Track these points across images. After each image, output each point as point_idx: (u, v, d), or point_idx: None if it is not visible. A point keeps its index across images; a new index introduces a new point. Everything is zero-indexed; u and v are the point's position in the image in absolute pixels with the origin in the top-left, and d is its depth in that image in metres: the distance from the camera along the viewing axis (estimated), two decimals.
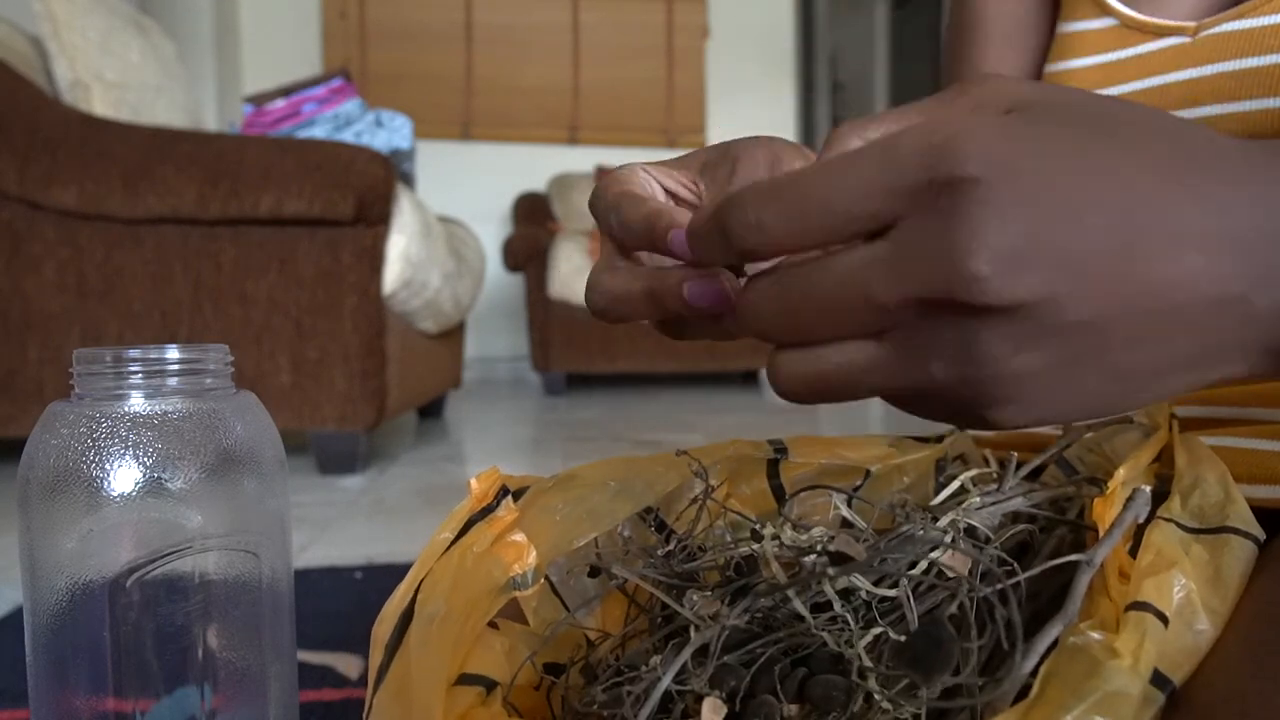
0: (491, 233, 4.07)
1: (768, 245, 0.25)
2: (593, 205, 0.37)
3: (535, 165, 4.19)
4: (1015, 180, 0.22)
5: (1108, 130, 0.25)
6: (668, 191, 0.39)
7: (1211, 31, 0.46)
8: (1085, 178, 0.23)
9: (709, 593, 0.36)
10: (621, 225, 0.35)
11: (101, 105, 1.80)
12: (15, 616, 0.94)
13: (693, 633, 0.33)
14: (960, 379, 0.24)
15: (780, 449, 0.46)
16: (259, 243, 1.68)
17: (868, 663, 0.30)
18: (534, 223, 3.72)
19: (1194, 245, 0.23)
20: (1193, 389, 0.26)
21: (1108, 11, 0.51)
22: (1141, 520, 0.32)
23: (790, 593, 0.32)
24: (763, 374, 3.86)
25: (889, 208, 0.23)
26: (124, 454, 0.36)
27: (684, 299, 0.31)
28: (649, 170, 0.39)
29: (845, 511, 0.40)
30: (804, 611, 0.32)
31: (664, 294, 0.32)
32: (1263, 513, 0.36)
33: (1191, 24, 0.47)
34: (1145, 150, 0.24)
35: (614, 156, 4.22)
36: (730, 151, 0.39)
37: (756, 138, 0.39)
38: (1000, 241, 0.22)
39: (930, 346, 0.24)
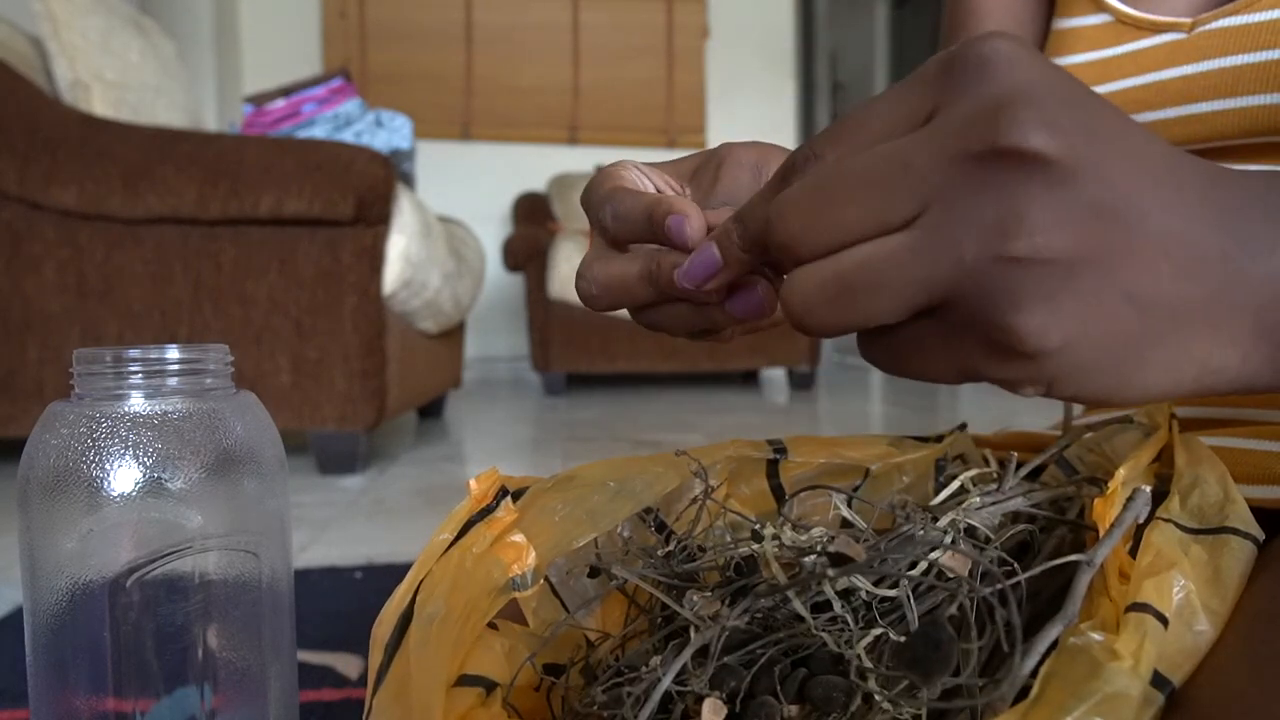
0: (491, 233, 4.07)
1: (806, 251, 0.25)
2: (585, 200, 0.37)
3: (535, 165, 4.19)
4: (1038, 64, 0.23)
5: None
6: (657, 190, 0.39)
7: (1207, 28, 0.46)
8: (1098, 100, 0.24)
9: (709, 593, 0.36)
10: (617, 217, 0.34)
11: (101, 105, 1.80)
12: (15, 616, 0.94)
13: (693, 633, 0.33)
14: (991, 260, 0.22)
15: (780, 449, 0.46)
16: (259, 243, 1.68)
17: (868, 663, 0.30)
18: (534, 223, 3.72)
19: (1192, 189, 0.24)
20: (1198, 384, 0.25)
21: (1103, 8, 0.51)
22: (1142, 520, 0.32)
23: (790, 593, 0.32)
24: (763, 374, 3.87)
25: (925, 100, 0.24)
26: (124, 454, 0.36)
27: (678, 277, 0.31)
28: (640, 168, 0.39)
29: (845, 511, 0.40)
30: (804, 612, 0.32)
31: (659, 274, 0.32)
32: (1262, 513, 0.36)
33: (1187, 20, 0.47)
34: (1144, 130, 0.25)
35: (614, 156, 4.22)
36: (716, 156, 0.39)
37: (743, 142, 0.40)
38: (1037, 98, 0.22)
39: (963, 221, 0.23)
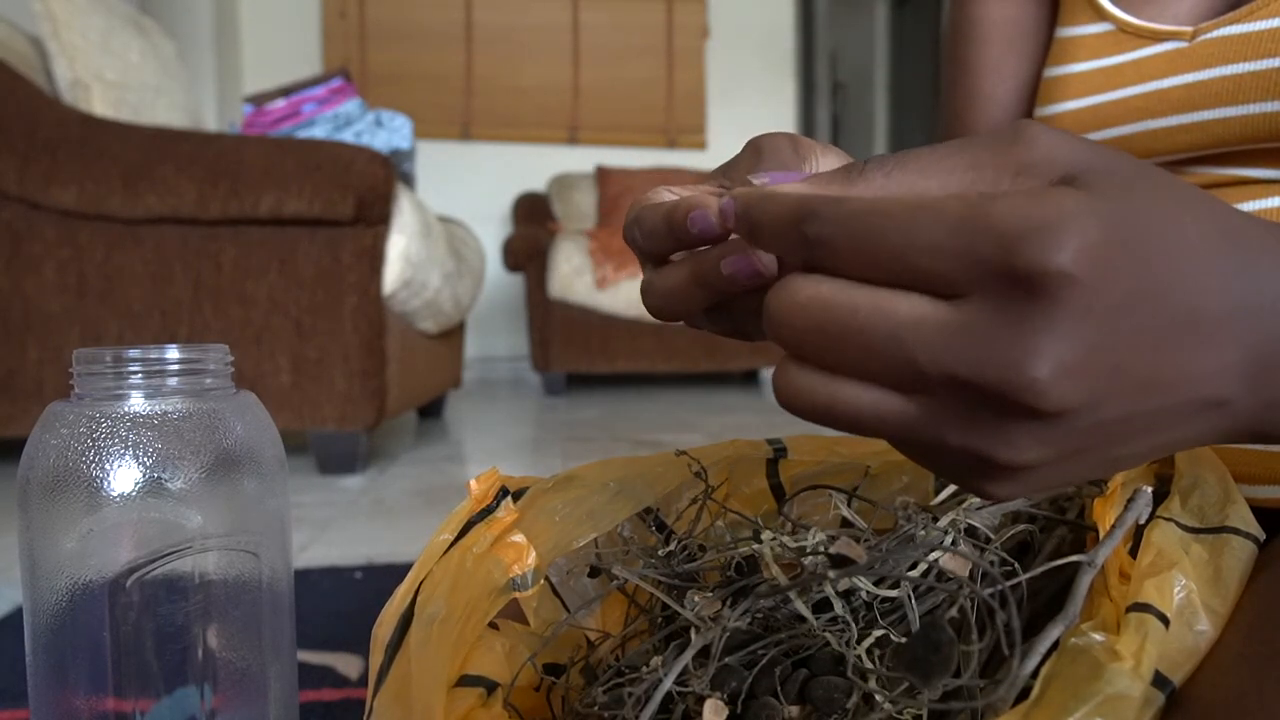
0: (491, 233, 4.07)
1: (829, 263, 0.24)
2: (624, 233, 0.37)
3: (535, 165, 4.19)
4: (1099, 288, 0.21)
5: (1173, 212, 0.24)
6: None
7: (1209, 36, 0.46)
8: (1155, 285, 0.22)
9: (710, 593, 0.36)
10: (644, 234, 0.34)
11: (101, 105, 1.80)
12: (15, 616, 0.94)
13: (694, 634, 0.33)
14: (974, 454, 0.23)
15: (780, 448, 0.46)
16: (259, 243, 1.68)
17: (868, 664, 0.30)
18: (534, 223, 3.72)
19: (1222, 341, 0.23)
20: (1180, 447, 0.26)
21: (1105, 16, 0.51)
22: (1143, 521, 0.32)
23: (792, 594, 0.32)
24: (763, 374, 3.87)
25: (965, 277, 0.22)
26: (124, 454, 0.36)
27: (722, 274, 0.31)
28: (671, 188, 0.39)
29: (845, 511, 0.40)
30: (806, 613, 0.32)
31: (705, 272, 0.32)
32: (1263, 513, 0.36)
33: (1189, 29, 0.47)
34: (1199, 235, 0.24)
35: (614, 156, 4.22)
36: (755, 144, 0.39)
37: (783, 132, 0.39)
38: (1067, 352, 0.21)
39: (954, 420, 0.23)
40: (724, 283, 0.32)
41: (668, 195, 0.37)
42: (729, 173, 0.39)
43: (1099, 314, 0.21)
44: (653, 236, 0.34)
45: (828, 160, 0.37)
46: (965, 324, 0.22)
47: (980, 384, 0.22)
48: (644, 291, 0.35)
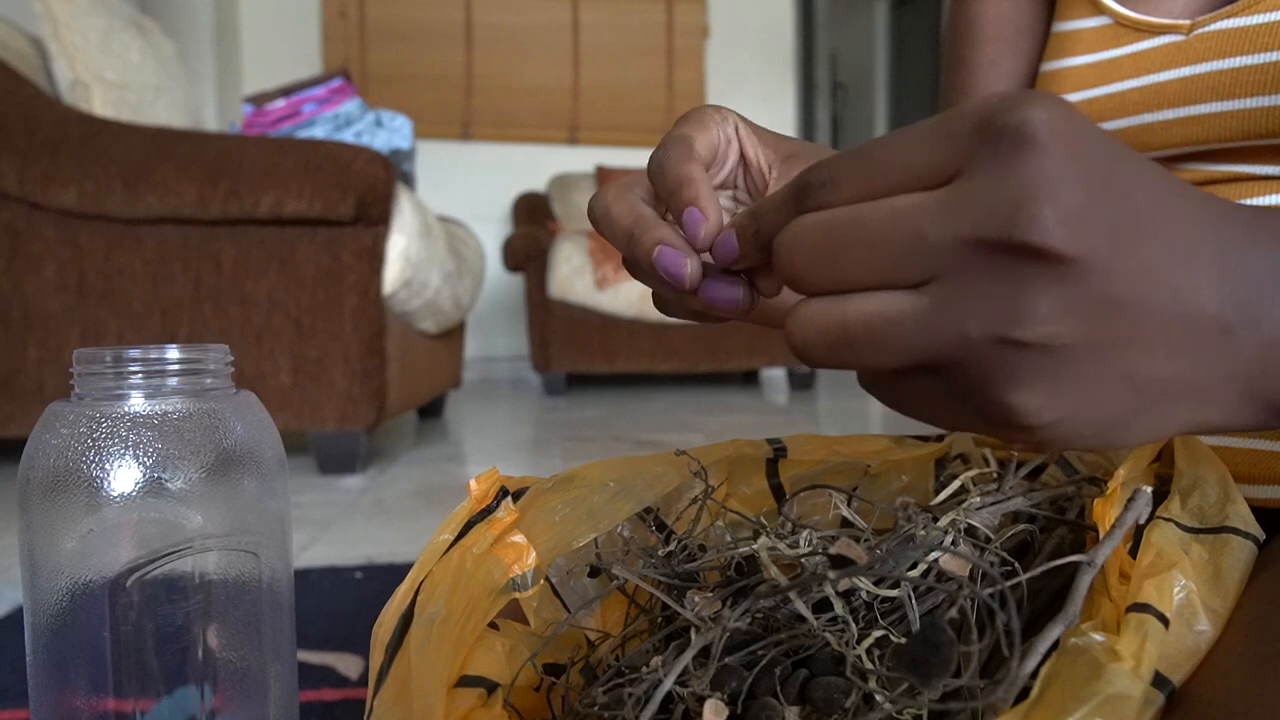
0: (491, 233, 4.07)
1: (837, 197, 0.25)
2: (678, 122, 0.38)
3: (535, 165, 4.19)
4: (1077, 143, 0.23)
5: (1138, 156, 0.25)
6: (744, 159, 0.40)
7: (1206, 29, 0.46)
8: (1133, 170, 0.24)
9: (710, 593, 0.36)
10: (659, 164, 0.35)
11: (101, 105, 1.80)
12: (15, 616, 0.94)
13: (694, 634, 0.33)
14: (995, 341, 0.23)
15: (779, 448, 0.46)
16: (259, 243, 1.68)
17: (869, 665, 0.30)
18: (534, 223, 3.72)
19: (1205, 262, 0.24)
20: (1181, 433, 0.26)
21: (1103, 10, 0.51)
22: (1143, 521, 0.32)
23: (792, 594, 0.32)
24: (764, 374, 3.87)
25: (951, 157, 0.23)
26: (124, 454, 0.36)
27: (652, 259, 0.32)
28: (741, 127, 0.40)
29: (845, 511, 0.40)
30: (806, 613, 0.32)
31: (637, 243, 0.33)
32: (1263, 513, 0.36)
33: (1186, 22, 0.47)
34: (1170, 178, 0.25)
35: (614, 156, 4.22)
36: (808, 161, 0.39)
37: (715, 116, 0.40)
38: (1063, 194, 0.22)
39: (971, 300, 0.23)
40: (649, 267, 0.33)
41: (724, 133, 0.39)
42: (787, 165, 0.40)
43: (1085, 165, 0.22)
44: (659, 176, 0.35)
45: (754, 142, 0.40)
46: (964, 190, 0.23)
47: (991, 237, 0.22)
48: (599, 194, 0.37)
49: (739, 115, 0.40)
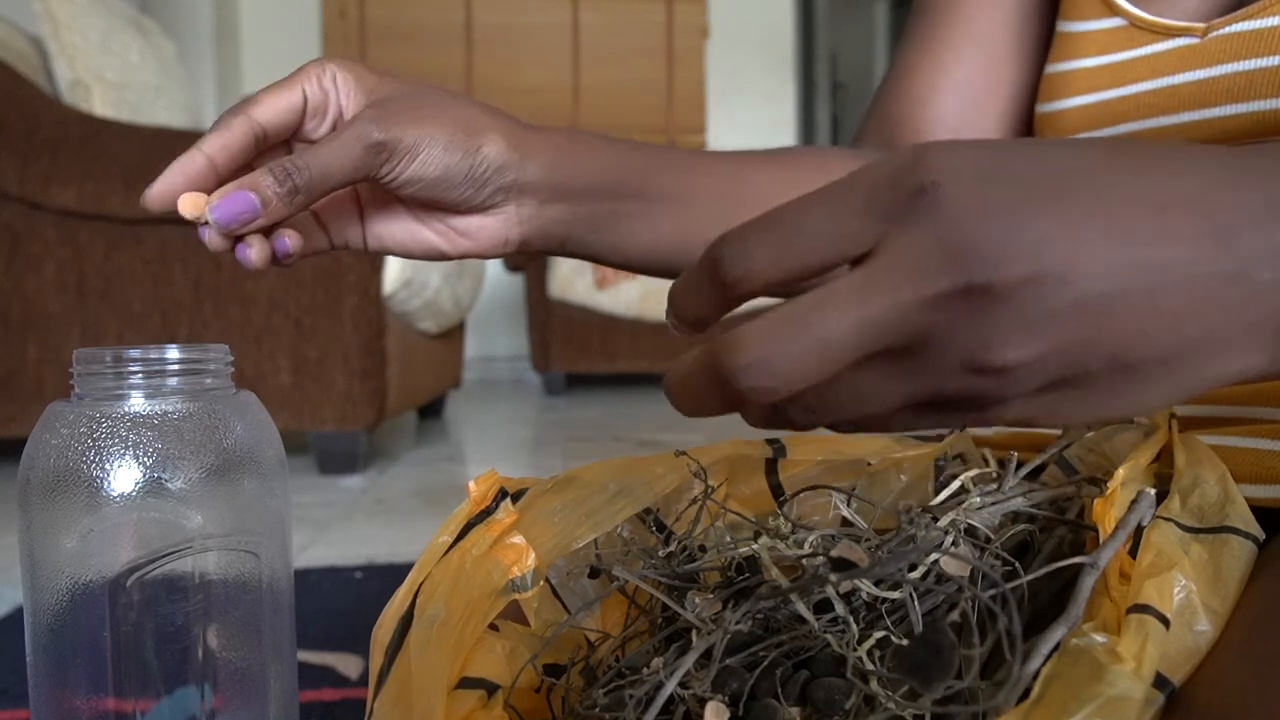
0: None
1: (754, 272, 0.25)
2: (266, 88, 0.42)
3: None
4: (987, 173, 0.23)
5: (1062, 142, 0.25)
6: (341, 113, 0.44)
7: (1221, 32, 0.46)
8: (1059, 165, 0.24)
9: (710, 594, 0.36)
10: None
11: (101, 105, 1.80)
12: (15, 616, 0.94)
13: (695, 636, 0.33)
14: (974, 373, 0.23)
15: (779, 448, 0.46)
16: None
17: (870, 666, 0.30)
18: None
19: (1178, 218, 0.23)
20: (1217, 383, 0.25)
21: (1116, 11, 0.51)
22: (1146, 523, 0.32)
23: (793, 595, 0.32)
24: None
25: (867, 226, 0.24)
26: (124, 454, 0.36)
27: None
28: (340, 76, 0.43)
29: (845, 511, 0.40)
30: (807, 615, 0.32)
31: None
32: (1262, 512, 0.36)
33: (1200, 24, 0.47)
34: (1111, 146, 0.25)
35: None
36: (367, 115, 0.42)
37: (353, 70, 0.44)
38: (983, 225, 0.22)
39: (941, 352, 0.23)
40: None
41: (321, 83, 0.43)
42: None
43: (991, 191, 0.23)
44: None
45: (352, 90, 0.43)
46: (897, 255, 0.23)
47: (937, 293, 0.22)
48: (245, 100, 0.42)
49: (344, 64, 0.43)
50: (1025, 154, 0.24)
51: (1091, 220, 0.23)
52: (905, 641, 0.31)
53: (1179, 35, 0.48)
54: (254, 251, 0.40)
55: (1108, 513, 0.33)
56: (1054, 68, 0.54)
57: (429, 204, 0.45)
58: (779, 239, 0.25)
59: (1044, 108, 0.54)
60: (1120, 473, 0.34)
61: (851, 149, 0.60)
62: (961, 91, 0.59)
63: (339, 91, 0.43)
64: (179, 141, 1.65)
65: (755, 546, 0.36)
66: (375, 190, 0.46)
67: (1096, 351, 0.23)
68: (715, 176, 0.51)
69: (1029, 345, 0.23)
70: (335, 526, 1.38)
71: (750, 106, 4.43)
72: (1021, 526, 0.38)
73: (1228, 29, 0.45)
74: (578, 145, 0.47)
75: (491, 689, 0.35)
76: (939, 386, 0.24)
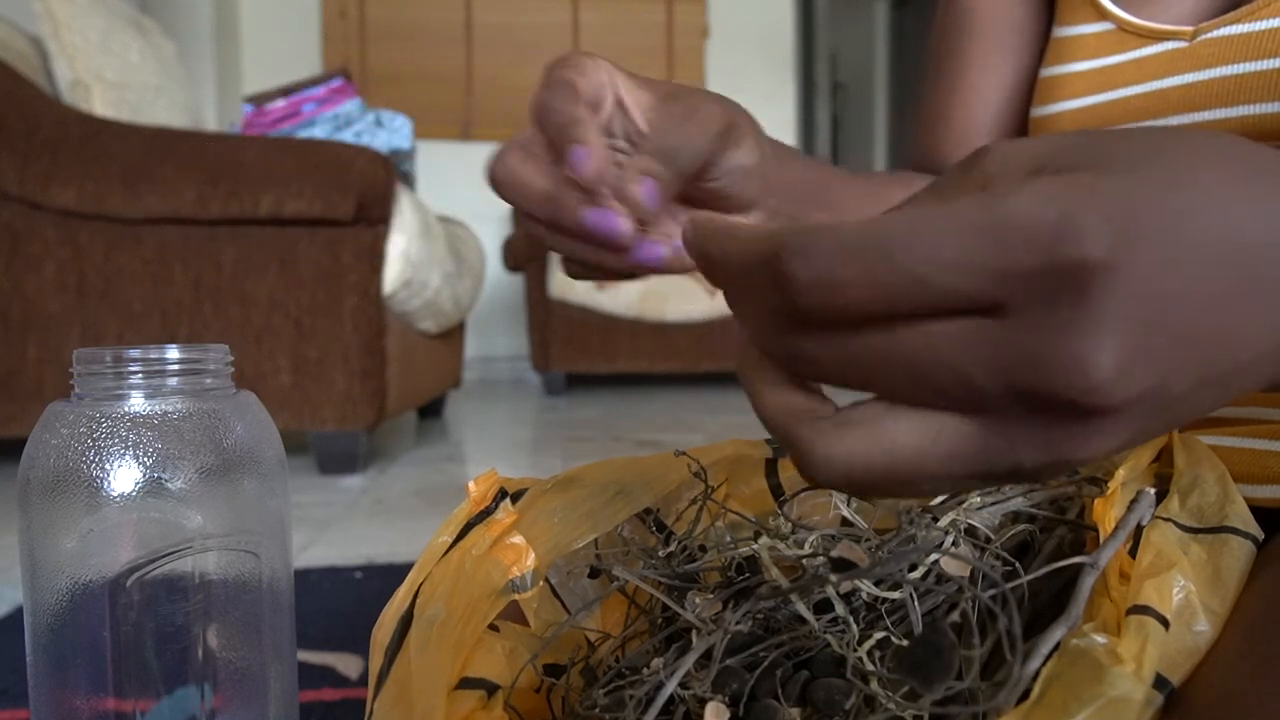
0: (491, 233, 4.06)
1: (836, 305, 0.21)
2: (546, 69, 0.37)
3: None
4: (1135, 265, 0.20)
5: (1171, 163, 0.22)
6: (621, 103, 0.38)
7: (1210, 35, 0.46)
8: (1188, 240, 0.20)
9: (710, 594, 0.36)
10: (543, 109, 0.35)
11: (101, 105, 1.80)
12: (15, 616, 0.94)
13: (695, 636, 0.33)
14: (1049, 466, 0.22)
15: (778, 448, 0.46)
16: (259, 243, 1.68)
17: (870, 666, 0.30)
18: None
19: (1263, 274, 0.21)
20: (1244, 392, 0.24)
21: (1106, 16, 0.51)
22: (1146, 523, 0.32)
23: (793, 596, 0.32)
24: None
25: (996, 292, 0.20)
26: (124, 454, 0.36)
27: (580, 222, 0.32)
28: (615, 73, 0.38)
29: (845, 511, 0.40)
30: (808, 615, 0.32)
31: (561, 207, 0.33)
32: (1262, 513, 0.36)
33: (1189, 28, 0.47)
34: (1215, 177, 0.22)
35: None
36: (688, 103, 0.38)
37: (721, 100, 0.39)
38: (1124, 344, 0.20)
39: (1024, 435, 0.21)
40: (576, 225, 0.32)
41: (600, 78, 0.37)
42: (662, 107, 0.38)
43: (1143, 293, 0.20)
44: (545, 125, 0.35)
45: (638, 95, 0.38)
46: (1014, 336, 0.20)
47: (1044, 395, 0.20)
48: (498, 156, 0.36)
49: (610, 62, 0.38)
50: (1160, 192, 0.20)
51: (1214, 317, 0.21)
52: (905, 642, 0.31)
53: (1167, 39, 0.48)
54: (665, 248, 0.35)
55: (1108, 513, 0.33)
56: (1047, 72, 0.54)
57: (707, 203, 0.41)
58: (875, 275, 0.20)
59: (1037, 111, 0.55)
60: (1120, 473, 0.34)
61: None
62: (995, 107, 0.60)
63: (618, 86, 0.38)
64: (179, 141, 1.66)
65: (755, 546, 0.36)
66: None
67: (1165, 417, 0.22)
68: (863, 200, 0.49)
69: (1113, 444, 0.21)
70: (335, 526, 1.38)
71: (750, 106, 4.36)
72: (1021, 526, 0.38)
73: (1216, 33, 0.46)
74: (780, 149, 0.45)
75: (491, 689, 0.35)
76: (1014, 467, 0.22)
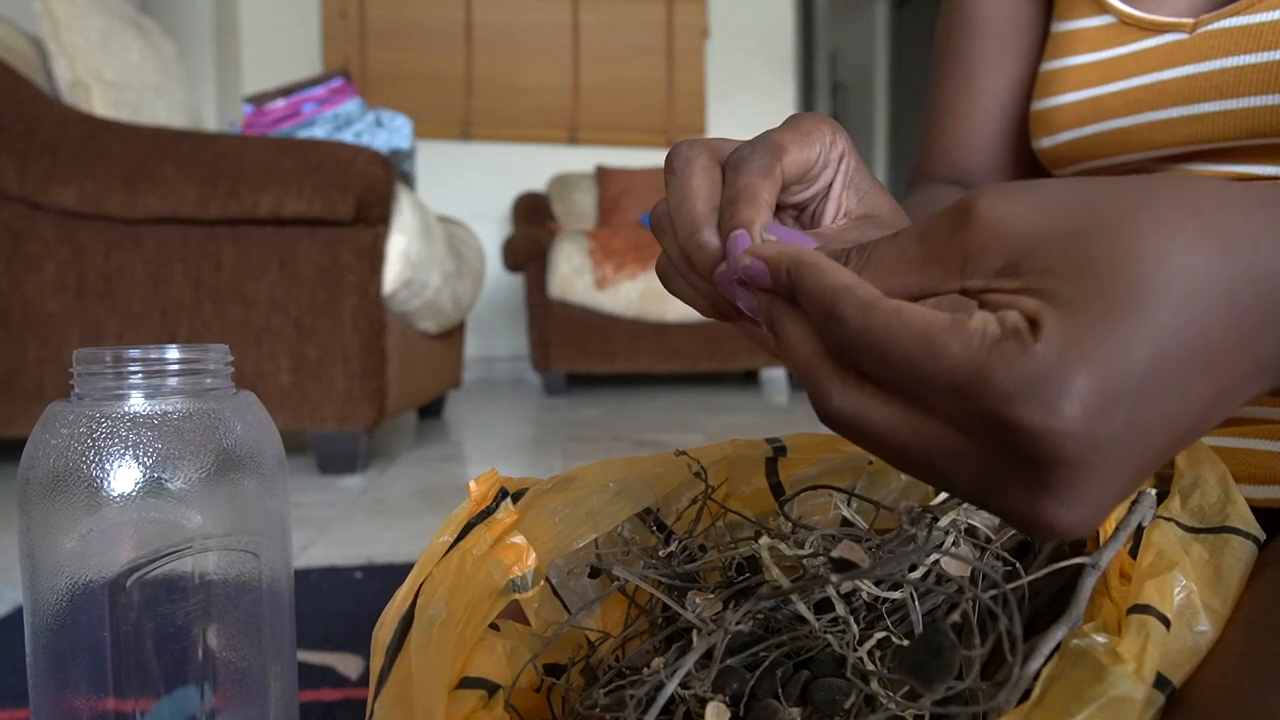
0: (491, 233, 4.07)
1: (851, 357, 0.25)
2: (784, 125, 0.35)
3: (535, 165, 4.19)
4: (1098, 431, 0.21)
5: (1154, 268, 0.22)
6: (829, 190, 0.36)
7: (1210, 28, 0.46)
8: (1166, 373, 0.22)
9: (711, 594, 0.36)
10: (737, 164, 0.33)
11: (101, 105, 1.80)
12: (15, 616, 0.94)
13: (695, 636, 0.33)
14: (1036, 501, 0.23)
15: (779, 447, 0.46)
16: (259, 243, 1.68)
17: (870, 666, 0.30)
18: (534, 223, 3.72)
19: (1229, 376, 0.22)
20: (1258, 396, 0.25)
21: (1106, 9, 0.51)
22: (1147, 523, 0.32)
23: (793, 596, 0.32)
24: (764, 374, 3.86)
25: (970, 424, 0.23)
26: (124, 454, 0.36)
27: (731, 234, 0.30)
28: (848, 157, 0.36)
29: (846, 511, 0.40)
30: (808, 615, 0.32)
31: (721, 305, 0.33)
32: (1263, 513, 0.36)
33: (1189, 20, 0.47)
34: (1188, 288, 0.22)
35: (614, 157, 4.22)
36: (842, 173, 0.36)
37: (827, 125, 0.36)
38: (1080, 492, 0.22)
39: (1005, 467, 0.23)
40: (710, 280, 0.32)
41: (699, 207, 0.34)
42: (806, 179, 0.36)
43: (1105, 450, 0.21)
44: (678, 240, 0.33)
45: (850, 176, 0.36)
46: (981, 464, 0.23)
47: (1007, 514, 0.23)
48: (662, 280, 0.35)
49: (850, 142, 0.36)
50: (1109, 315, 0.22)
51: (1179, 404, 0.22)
52: (906, 642, 0.31)
53: (1167, 31, 0.48)
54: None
55: None
56: (1048, 66, 0.54)
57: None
58: (887, 358, 0.24)
59: (1037, 105, 0.55)
60: None
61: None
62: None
63: (838, 172, 0.36)
64: (179, 141, 1.65)
65: (756, 546, 0.36)
66: None
67: (1146, 452, 0.23)
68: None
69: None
70: (335, 526, 1.38)
71: (750, 106, 4.44)
72: None
73: (1216, 25, 0.46)
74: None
75: (492, 689, 0.35)
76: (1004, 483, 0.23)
